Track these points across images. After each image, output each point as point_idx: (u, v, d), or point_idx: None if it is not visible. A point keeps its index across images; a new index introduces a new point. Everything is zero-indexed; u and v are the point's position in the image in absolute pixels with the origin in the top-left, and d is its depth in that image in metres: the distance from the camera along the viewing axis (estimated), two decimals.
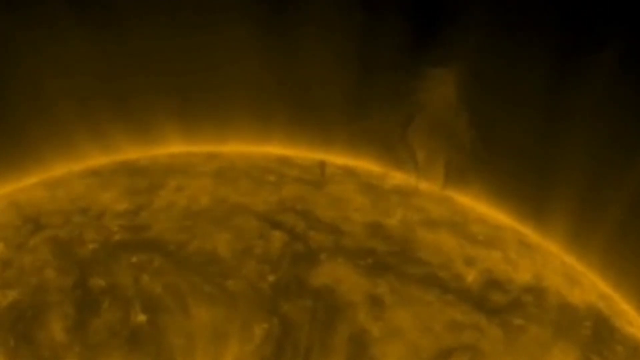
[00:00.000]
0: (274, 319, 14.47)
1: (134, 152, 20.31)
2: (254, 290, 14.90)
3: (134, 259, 15.37)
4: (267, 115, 21.39)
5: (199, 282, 14.96)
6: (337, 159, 20.40)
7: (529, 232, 20.39)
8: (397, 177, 20.03)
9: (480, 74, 19.95)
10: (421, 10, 19.60)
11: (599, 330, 16.98)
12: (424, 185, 19.96)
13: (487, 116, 20.44)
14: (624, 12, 19.77)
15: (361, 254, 16.21)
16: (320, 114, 21.42)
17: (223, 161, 19.67)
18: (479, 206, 20.54)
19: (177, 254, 15.58)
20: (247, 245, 15.97)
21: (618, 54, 19.77)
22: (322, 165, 19.58)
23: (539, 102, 20.62)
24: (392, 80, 19.94)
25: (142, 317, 14.26)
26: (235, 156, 20.24)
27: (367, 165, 20.87)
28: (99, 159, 20.35)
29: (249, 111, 21.40)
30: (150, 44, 20.73)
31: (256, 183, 18.16)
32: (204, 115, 21.38)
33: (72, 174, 19.47)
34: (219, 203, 17.16)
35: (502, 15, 20.21)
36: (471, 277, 16.52)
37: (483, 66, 19.98)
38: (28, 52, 19.86)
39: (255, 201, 17.30)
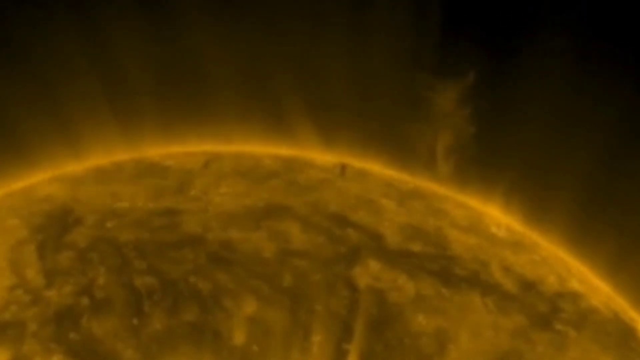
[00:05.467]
0: (329, 320, 14.36)
1: (150, 150, 19.98)
2: (302, 290, 14.78)
3: (179, 259, 15.10)
4: (277, 116, 21.26)
5: (248, 282, 14.77)
6: (352, 160, 20.35)
7: (536, 236, 20.62)
8: (412, 180, 20.11)
9: (491, 83, 20.14)
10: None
11: (625, 335, 17.26)
12: (438, 188, 20.08)
13: (497, 123, 20.64)
14: None
15: (402, 256, 16.20)
16: (332, 114, 21.36)
17: (242, 161, 19.48)
18: (491, 210, 20.70)
19: (221, 254, 15.37)
20: (288, 246, 15.83)
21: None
22: (343, 167, 19.54)
23: (548, 111, 20.89)
24: (412, 84, 19.99)
25: (197, 316, 14.02)
26: (247, 156, 20.06)
27: (380, 167, 20.88)
28: (109, 157, 19.99)
29: (257, 110, 21.27)
30: (160, 45, 20.53)
31: (286, 183, 18.03)
32: (214, 114, 21.20)
33: (87, 171, 19.06)
34: (253, 203, 16.98)
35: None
36: (509, 281, 16.65)
37: (494, 76, 20.18)
38: (40, 52, 19.51)
39: (289, 201, 17.18)
